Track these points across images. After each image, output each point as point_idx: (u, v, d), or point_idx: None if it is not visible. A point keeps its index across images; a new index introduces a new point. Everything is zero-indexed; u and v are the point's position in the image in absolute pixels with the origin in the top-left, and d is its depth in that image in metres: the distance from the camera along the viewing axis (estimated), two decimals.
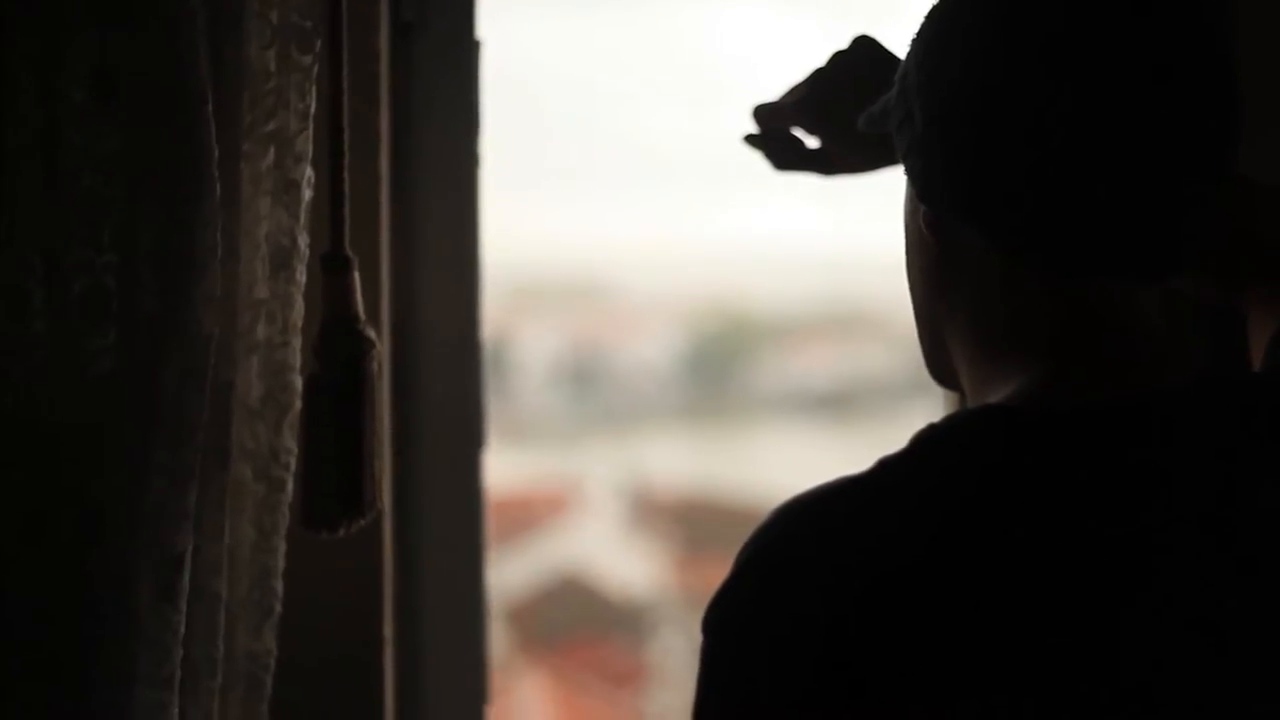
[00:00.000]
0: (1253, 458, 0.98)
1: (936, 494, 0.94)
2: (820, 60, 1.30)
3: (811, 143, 1.33)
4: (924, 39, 1.02)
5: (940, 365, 1.10)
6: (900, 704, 0.91)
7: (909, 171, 1.03)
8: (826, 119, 1.30)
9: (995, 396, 1.01)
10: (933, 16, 1.02)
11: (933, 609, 0.91)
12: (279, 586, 1.32)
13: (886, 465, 0.97)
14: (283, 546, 1.32)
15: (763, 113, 1.34)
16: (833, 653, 0.91)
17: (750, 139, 1.35)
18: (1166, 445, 0.97)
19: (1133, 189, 0.95)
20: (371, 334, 1.36)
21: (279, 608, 1.32)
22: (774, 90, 1.34)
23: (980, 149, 0.96)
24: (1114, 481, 0.94)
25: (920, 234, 1.04)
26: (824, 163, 1.32)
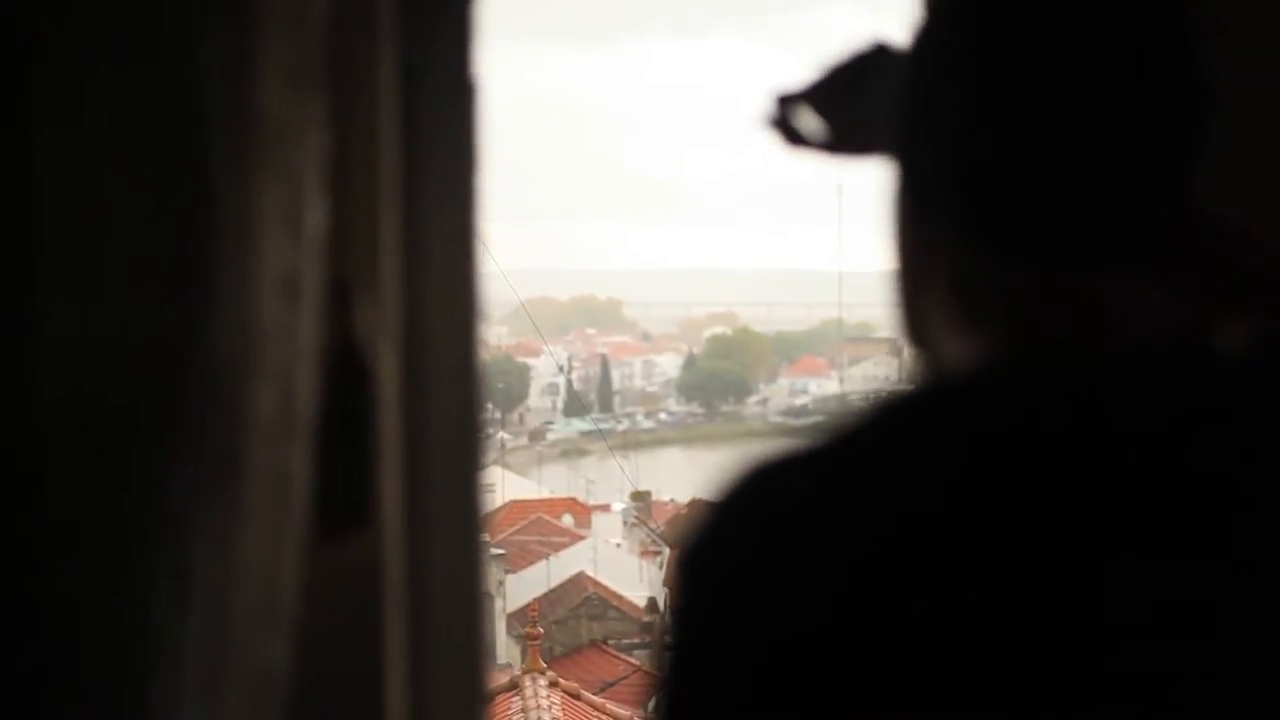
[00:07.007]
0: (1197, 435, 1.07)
1: (912, 465, 1.04)
2: (839, 56, 1.43)
3: (820, 127, 1.45)
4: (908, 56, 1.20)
5: (919, 332, 1.22)
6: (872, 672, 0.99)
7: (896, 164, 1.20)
8: (835, 108, 1.42)
9: (959, 369, 1.13)
10: (914, 34, 1.19)
11: (905, 579, 0.99)
12: (289, 599, 1.39)
13: (854, 432, 1.08)
14: (293, 560, 1.39)
15: (780, 99, 1.46)
16: (816, 610, 1.00)
17: (768, 120, 1.47)
18: (1117, 420, 1.06)
19: (1078, 187, 1.08)
20: (376, 359, 1.43)
21: (289, 619, 1.39)
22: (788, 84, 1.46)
23: (951, 156, 1.13)
24: (1071, 457, 1.03)
25: (906, 221, 1.20)
26: (829, 146, 1.44)
